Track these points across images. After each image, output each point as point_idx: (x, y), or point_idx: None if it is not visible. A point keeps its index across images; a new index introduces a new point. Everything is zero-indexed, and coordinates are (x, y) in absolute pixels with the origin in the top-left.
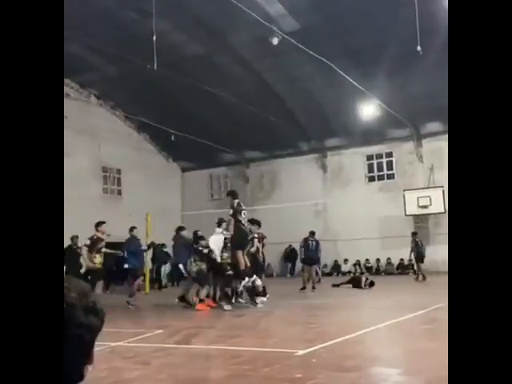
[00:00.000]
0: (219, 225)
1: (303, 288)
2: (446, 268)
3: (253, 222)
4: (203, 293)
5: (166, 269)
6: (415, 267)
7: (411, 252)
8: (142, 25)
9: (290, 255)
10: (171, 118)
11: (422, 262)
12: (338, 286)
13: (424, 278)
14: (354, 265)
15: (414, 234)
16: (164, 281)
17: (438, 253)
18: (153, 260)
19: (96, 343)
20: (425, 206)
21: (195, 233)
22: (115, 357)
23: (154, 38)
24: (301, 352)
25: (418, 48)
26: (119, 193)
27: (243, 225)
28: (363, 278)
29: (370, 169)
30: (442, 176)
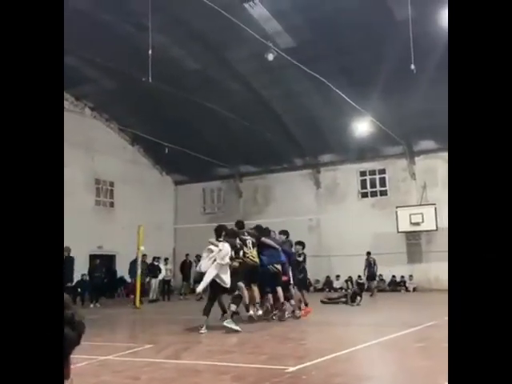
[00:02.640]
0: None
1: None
2: (438, 285)
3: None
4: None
5: (156, 282)
6: (366, 285)
7: (364, 270)
8: (139, 38)
9: None
10: (165, 132)
11: (374, 280)
12: (327, 302)
13: (372, 295)
14: (346, 281)
15: (368, 253)
16: (154, 295)
17: (430, 270)
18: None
19: (85, 357)
20: (417, 223)
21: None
22: (104, 371)
23: (150, 51)
24: (291, 369)
25: (412, 67)
26: (112, 205)
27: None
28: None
29: (363, 185)
30: (435, 193)
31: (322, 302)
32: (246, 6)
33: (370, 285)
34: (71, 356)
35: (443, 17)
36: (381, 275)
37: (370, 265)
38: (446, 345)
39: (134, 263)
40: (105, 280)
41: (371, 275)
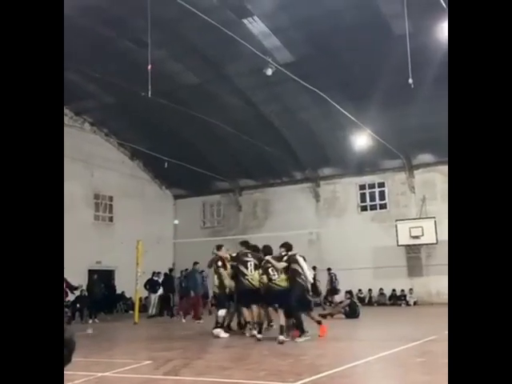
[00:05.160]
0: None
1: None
2: (439, 299)
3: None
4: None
5: (155, 298)
6: (329, 299)
7: (326, 285)
8: (138, 54)
9: None
10: (165, 146)
11: (335, 294)
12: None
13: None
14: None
15: (329, 269)
16: (153, 310)
17: (431, 284)
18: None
19: (83, 373)
20: (417, 237)
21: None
22: None
23: (149, 66)
24: None
25: (410, 81)
26: (111, 220)
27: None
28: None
29: (363, 198)
30: (434, 207)
31: (321, 315)
32: (245, 21)
33: (332, 299)
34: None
35: (441, 30)
36: (381, 289)
37: (332, 280)
38: (446, 360)
39: (192, 276)
40: (104, 294)
41: (332, 290)
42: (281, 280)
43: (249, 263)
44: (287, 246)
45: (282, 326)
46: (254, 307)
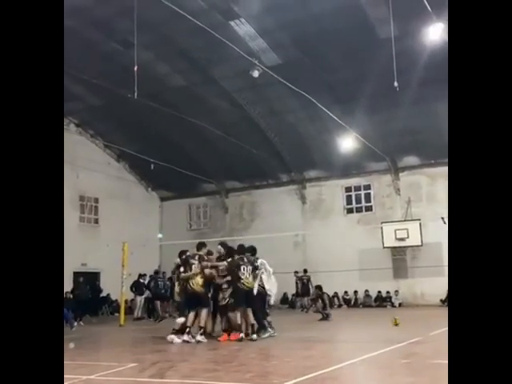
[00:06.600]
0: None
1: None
2: (423, 301)
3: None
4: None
5: (141, 300)
6: (301, 301)
7: (296, 287)
8: (125, 55)
9: None
10: (151, 148)
11: (306, 296)
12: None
13: (307, 310)
14: (333, 297)
15: (304, 271)
16: (139, 313)
17: (416, 285)
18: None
19: (68, 376)
20: (402, 239)
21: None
22: None
23: (136, 68)
24: None
25: (395, 84)
26: (96, 222)
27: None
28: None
29: (349, 201)
30: (419, 209)
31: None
32: (232, 23)
33: (302, 302)
34: None
35: (426, 34)
36: (367, 291)
37: (303, 282)
38: (431, 361)
39: None
40: (89, 296)
41: (305, 292)
42: (248, 280)
43: (193, 266)
44: (251, 251)
45: (252, 325)
46: (203, 312)
